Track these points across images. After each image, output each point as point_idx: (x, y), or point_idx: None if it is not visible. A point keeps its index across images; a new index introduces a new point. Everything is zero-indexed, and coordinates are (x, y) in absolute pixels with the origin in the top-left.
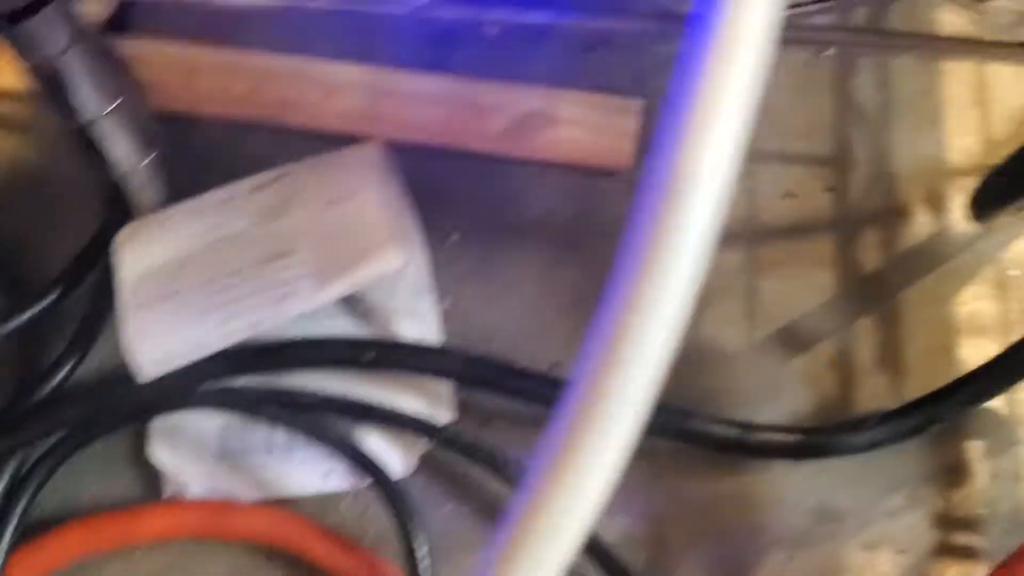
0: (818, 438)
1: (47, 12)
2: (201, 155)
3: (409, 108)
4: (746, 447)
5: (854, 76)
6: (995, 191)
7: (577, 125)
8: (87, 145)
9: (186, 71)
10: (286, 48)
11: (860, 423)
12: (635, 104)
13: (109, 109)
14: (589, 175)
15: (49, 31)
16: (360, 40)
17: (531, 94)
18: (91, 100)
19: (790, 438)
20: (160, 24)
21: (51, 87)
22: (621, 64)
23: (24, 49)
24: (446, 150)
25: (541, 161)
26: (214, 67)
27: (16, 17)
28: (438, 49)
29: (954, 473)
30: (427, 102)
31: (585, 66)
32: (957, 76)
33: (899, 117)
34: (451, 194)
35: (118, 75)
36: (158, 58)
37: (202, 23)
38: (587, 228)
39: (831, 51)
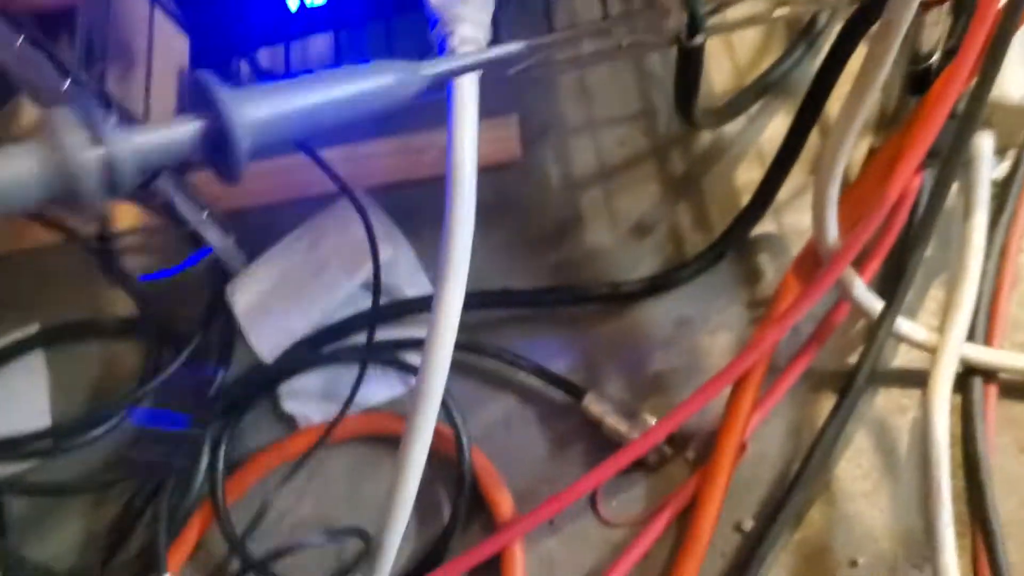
0: (661, 279)
1: (165, 178)
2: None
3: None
4: (621, 296)
5: (646, 59)
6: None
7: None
8: (194, 242)
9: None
10: None
11: (686, 263)
12: (512, 118)
13: (204, 215)
14: (495, 171)
15: (162, 187)
16: None
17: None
18: (191, 212)
19: (644, 284)
20: None
21: (169, 213)
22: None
23: (147, 199)
24: (399, 184)
25: None
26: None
27: (144, 184)
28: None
29: (752, 276)
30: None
31: None
32: None
33: None
34: (414, 209)
35: (199, 196)
36: None
37: None
38: (505, 203)
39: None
